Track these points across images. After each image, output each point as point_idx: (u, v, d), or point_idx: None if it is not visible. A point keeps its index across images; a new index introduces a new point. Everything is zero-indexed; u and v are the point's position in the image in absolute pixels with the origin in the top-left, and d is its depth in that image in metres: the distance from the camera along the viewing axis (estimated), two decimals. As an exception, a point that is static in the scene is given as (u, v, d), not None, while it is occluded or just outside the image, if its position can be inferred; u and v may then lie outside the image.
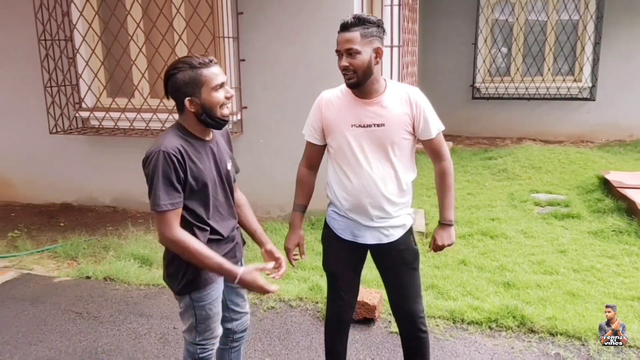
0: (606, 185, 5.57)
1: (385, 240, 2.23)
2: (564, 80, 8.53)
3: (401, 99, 2.15)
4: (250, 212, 2.28)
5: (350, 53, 2.05)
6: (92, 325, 3.30)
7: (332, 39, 4.98)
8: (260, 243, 2.26)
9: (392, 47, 5.25)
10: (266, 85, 5.00)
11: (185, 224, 1.96)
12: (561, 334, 2.97)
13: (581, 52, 8.43)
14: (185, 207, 1.95)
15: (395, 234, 2.24)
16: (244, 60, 4.99)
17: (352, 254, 2.31)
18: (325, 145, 2.29)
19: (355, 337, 3.06)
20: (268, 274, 2.16)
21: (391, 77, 5.22)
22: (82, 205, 5.77)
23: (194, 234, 1.97)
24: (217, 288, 2.09)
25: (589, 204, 5.28)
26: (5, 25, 5.53)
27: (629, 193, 5.01)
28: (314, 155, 2.34)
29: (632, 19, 8.13)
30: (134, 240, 4.64)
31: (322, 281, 3.67)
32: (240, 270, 1.93)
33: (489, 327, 3.09)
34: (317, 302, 3.45)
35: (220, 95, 1.94)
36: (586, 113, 8.58)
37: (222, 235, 2.07)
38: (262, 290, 1.97)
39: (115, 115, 5.18)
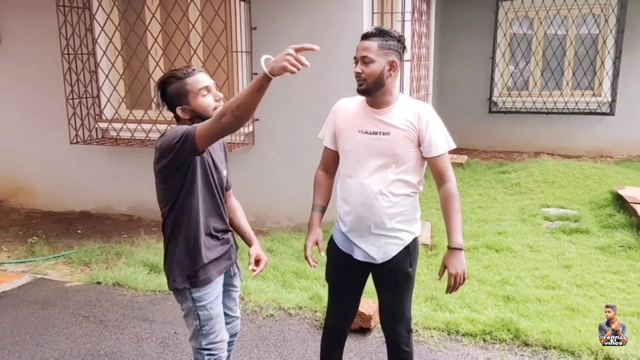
0: (619, 201, 5.50)
1: (379, 259, 2.22)
2: (582, 94, 8.45)
3: (409, 113, 2.16)
4: (244, 216, 2.44)
5: (365, 61, 2.10)
6: (97, 328, 3.43)
7: (344, 54, 5.09)
8: (249, 242, 2.40)
9: (402, 61, 5.32)
10: (278, 98, 5.12)
11: (185, 220, 2.08)
12: (555, 348, 2.96)
13: (601, 66, 8.36)
14: (185, 204, 2.07)
15: (390, 253, 2.22)
16: (256, 74, 5.12)
17: (354, 267, 2.30)
18: None
19: (350, 346, 3.10)
20: (249, 269, 2.30)
21: (402, 91, 5.29)
22: (100, 213, 5.96)
23: (194, 229, 2.09)
24: (216, 287, 2.17)
25: (600, 219, 5.22)
26: (32, 39, 5.80)
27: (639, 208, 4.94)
28: (330, 160, 2.37)
29: (652, 33, 8.04)
30: (145, 247, 4.78)
31: (323, 291, 3.73)
32: (264, 58, 1.74)
33: (483, 340, 3.10)
34: (315, 311, 3.50)
35: (208, 99, 2.06)
36: (605, 128, 8.47)
37: (219, 231, 2.19)
38: (292, 61, 1.68)
39: (132, 126, 5.37)
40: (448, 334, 3.18)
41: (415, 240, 2.27)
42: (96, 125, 5.66)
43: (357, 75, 2.13)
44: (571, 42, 8.48)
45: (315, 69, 4.93)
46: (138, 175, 5.69)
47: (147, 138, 5.36)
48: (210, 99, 2.07)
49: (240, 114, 1.73)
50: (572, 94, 8.50)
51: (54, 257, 4.72)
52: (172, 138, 1.93)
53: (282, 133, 5.19)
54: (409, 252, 2.23)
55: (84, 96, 5.54)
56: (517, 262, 4.30)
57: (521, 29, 8.76)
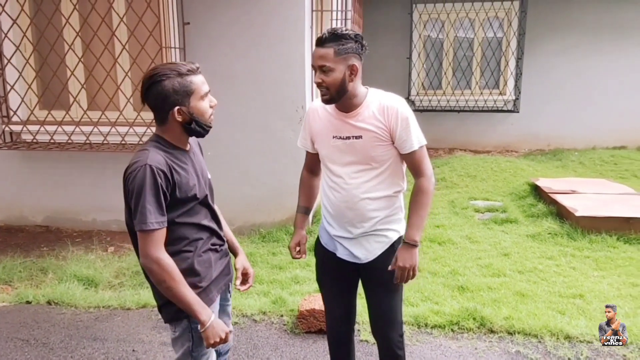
0: (537, 191, 5.95)
1: (363, 259, 2.18)
2: (490, 93, 9.04)
3: (378, 110, 2.07)
4: (224, 221, 2.20)
5: (324, 70, 1.99)
6: (42, 352, 3.08)
7: (284, 52, 4.98)
8: (233, 252, 2.20)
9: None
10: (216, 98, 4.91)
11: (181, 239, 1.86)
12: (519, 333, 3.13)
13: (505, 66, 8.99)
14: (180, 223, 1.85)
15: (374, 252, 2.17)
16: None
17: (339, 266, 2.24)
18: None
19: (325, 348, 3.06)
20: (236, 286, 2.13)
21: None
22: (9, 226, 5.39)
23: (192, 247, 1.88)
24: (214, 306, 1.97)
25: (524, 209, 5.61)
26: None
27: (558, 198, 5.38)
28: (312, 162, 2.36)
29: (551, 35, 8.79)
30: (74, 260, 4.38)
31: (285, 294, 3.65)
32: (213, 316, 1.81)
33: (452, 330, 3.20)
34: (282, 316, 3.41)
35: (206, 104, 1.86)
36: (510, 124, 9.15)
37: (217, 244, 2.00)
38: (220, 342, 1.83)
39: (50, 128, 4.90)
40: (418, 327, 3.24)
41: (400, 238, 2.21)
42: (5, 128, 5.09)
43: (318, 85, 2.04)
44: (479, 44, 9.04)
45: (254, 67, 4.88)
46: (56, 182, 5.21)
47: (70, 141, 4.91)
48: (207, 103, 1.87)
49: (161, 289, 1.78)
50: (480, 93, 9.06)
51: (-33, 277, 4.18)
52: (134, 193, 1.74)
53: (220, 134, 4.99)
54: (395, 250, 2.16)
55: (-9, 95, 4.96)
56: (461, 253, 4.50)
57: (434, 31, 9.19)
